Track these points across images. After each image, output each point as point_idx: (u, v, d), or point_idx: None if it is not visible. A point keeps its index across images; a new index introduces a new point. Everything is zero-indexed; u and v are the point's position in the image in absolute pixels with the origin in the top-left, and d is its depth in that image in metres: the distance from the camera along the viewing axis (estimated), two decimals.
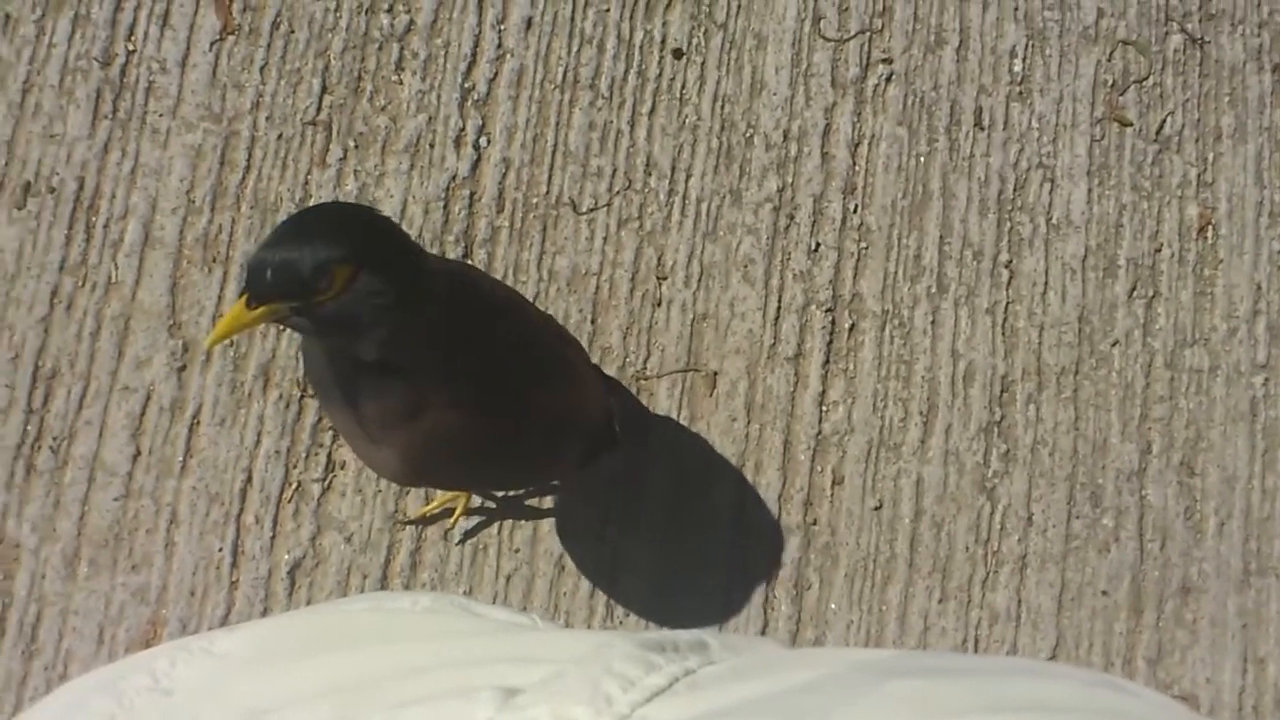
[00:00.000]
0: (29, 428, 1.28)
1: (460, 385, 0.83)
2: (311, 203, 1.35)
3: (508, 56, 1.41)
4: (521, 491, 1.30)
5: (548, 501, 1.31)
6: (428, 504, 1.28)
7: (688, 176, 1.40)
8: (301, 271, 0.69)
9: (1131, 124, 1.46)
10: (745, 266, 1.38)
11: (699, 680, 0.41)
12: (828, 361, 1.37)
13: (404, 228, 1.32)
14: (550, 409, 0.97)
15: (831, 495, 1.34)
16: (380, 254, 0.72)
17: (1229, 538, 1.37)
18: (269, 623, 0.68)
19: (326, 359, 0.80)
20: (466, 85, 1.40)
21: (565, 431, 1.02)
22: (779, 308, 1.37)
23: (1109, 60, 1.48)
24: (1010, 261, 1.41)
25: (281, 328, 1.21)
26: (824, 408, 1.35)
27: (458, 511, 1.28)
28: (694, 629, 0.45)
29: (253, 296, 0.69)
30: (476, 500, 1.29)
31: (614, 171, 1.39)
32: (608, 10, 1.43)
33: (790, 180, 1.41)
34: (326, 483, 1.29)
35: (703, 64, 1.43)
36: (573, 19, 1.42)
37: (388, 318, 0.74)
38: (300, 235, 0.70)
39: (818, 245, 1.39)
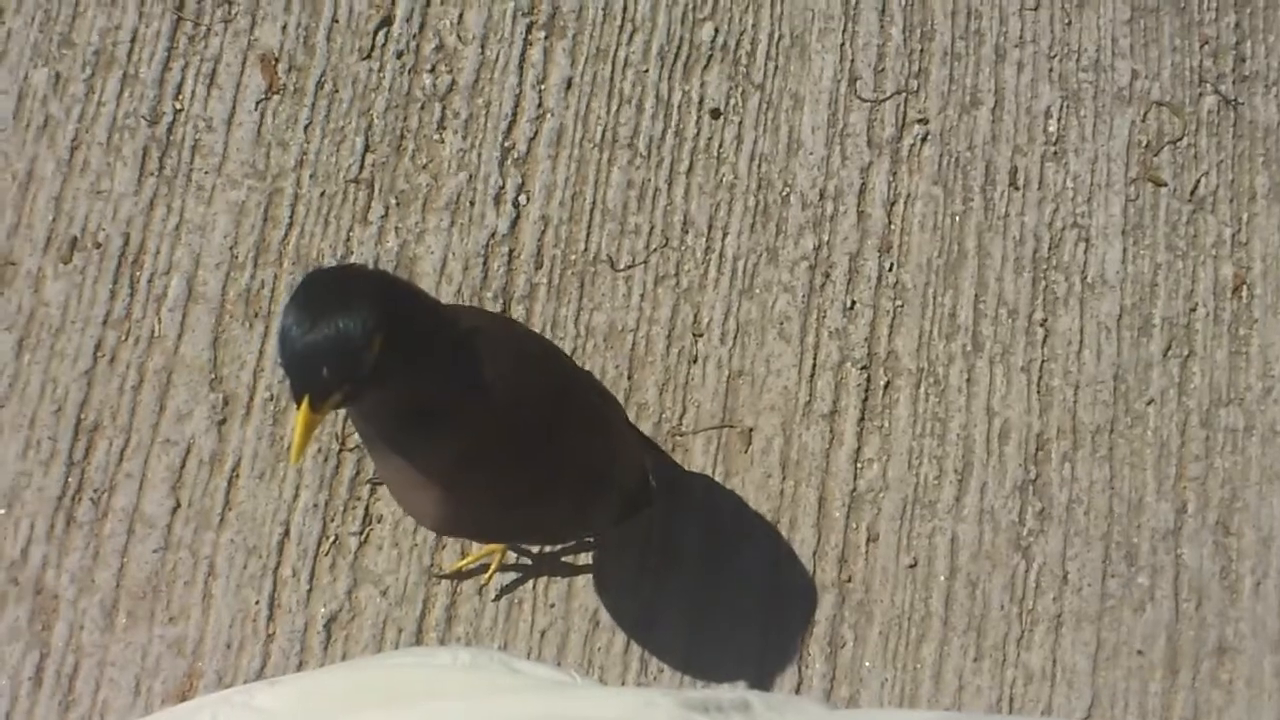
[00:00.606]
0: (70, 480, 1.29)
1: (502, 437, 0.84)
2: (353, 260, 1.36)
3: (548, 116, 1.43)
4: (557, 547, 1.30)
5: (583, 557, 1.31)
6: (464, 558, 1.29)
7: (724, 234, 1.41)
8: (353, 357, 0.68)
9: (1166, 184, 1.46)
10: (781, 324, 1.39)
11: None
12: (863, 419, 1.37)
13: (443, 284, 1.34)
14: (588, 463, 0.98)
15: (866, 552, 1.34)
16: (400, 310, 0.72)
17: (1265, 598, 1.36)
18: (310, 677, 0.69)
19: (371, 411, 0.80)
20: (507, 144, 1.41)
21: (602, 486, 1.03)
22: (814, 365, 1.38)
23: (1143, 121, 1.48)
24: (1045, 320, 1.41)
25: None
26: (859, 465, 1.36)
27: (493, 566, 1.28)
28: (733, 687, 0.45)
29: (315, 399, 0.68)
30: (512, 556, 1.30)
31: (651, 229, 1.40)
32: (646, 71, 1.45)
33: (826, 239, 1.42)
34: (364, 536, 1.29)
35: (740, 124, 1.44)
36: (612, 79, 1.44)
37: (424, 363, 0.74)
38: (328, 323, 0.68)
39: (853, 303, 1.40)
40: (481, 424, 0.81)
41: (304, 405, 0.68)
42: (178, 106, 1.40)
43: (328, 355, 0.67)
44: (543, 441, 0.88)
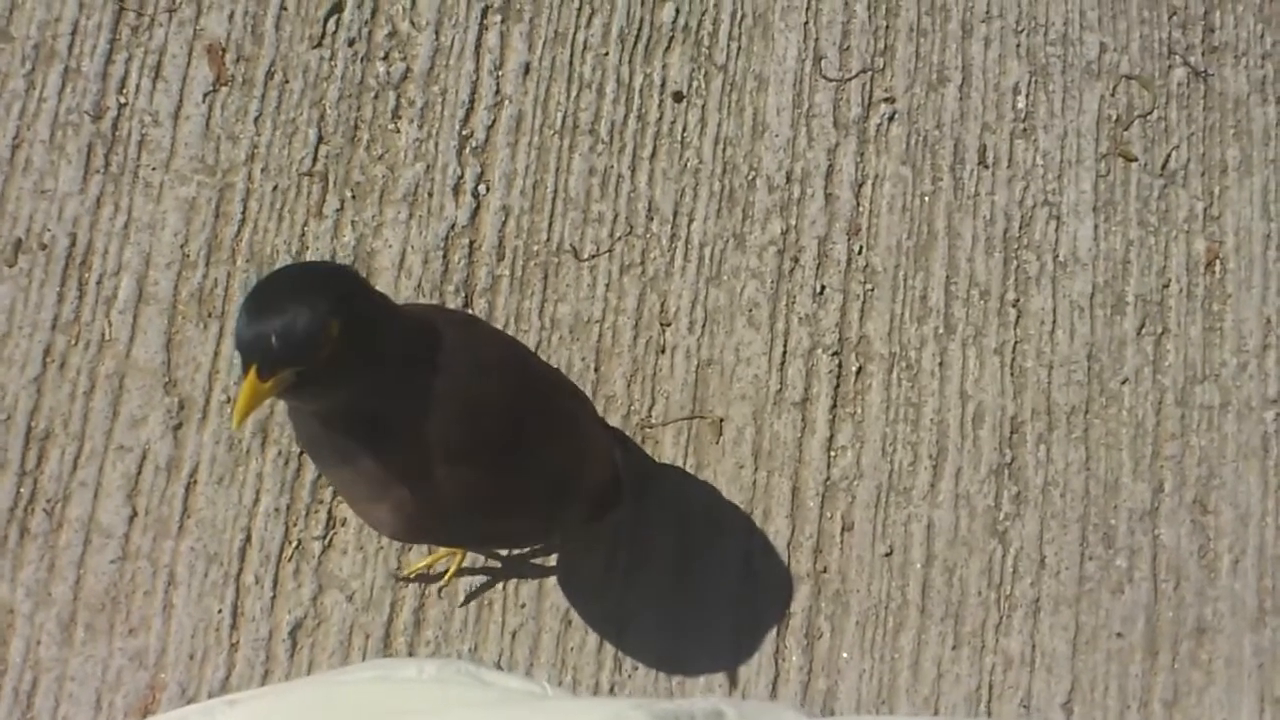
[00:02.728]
0: (22, 490, 1.26)
1: (458, 442, 0.81)
2: (309, 255, 1.33)
3: (506, 103, 1.39)
4: (526, 549, 1.28)
5: (553, 556, 1.28)
6: (428, 556, 1.26)
7: (690, 221, 1.38)
8: (303, 332, 0.68)
9: (1136, 159, 1.44)
10: (750, 311, 1.36)
11: None
12: (835, 406, 1.35)
13: (403, 278, 1.31)
14: (555, 469, 0.95)
15: (841, 542, 1.32)
16: (361, 304, 0.73)
17: (1243, 576, 1.35)
18: (271, 694, 0.66)
19: (318, 419, 0.78)
20: (464, 132, 1.38)
21: (569, 490, 1.00)
22: (785, 352, 1.35)
23: (1113, 95, 1.46)
24: (1017, 300, 1.39)
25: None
26: (832, 453, 1.33)
27: (452, 568, 1.25)
28: (709, 695, 0.44)
29: (263, 367, 0.68)
30: (480, 557, 1.27)
31: (615, 217, 1.37)
32: (606, 54, 1.41)
33: (794, 223, 1.39)
34: (327, 540, 1.26)
35: (703, 106, 1.41)
36: (571, 64, 1.41)
37: (381, 367, 0.74)
38: (285, 300, 0.69)
39: (823, 288, 1.37)
40: (438, 434, 0.79)
41: (251, 374, 0.69)
42: (122, 100, 1.36)
43: (279, 326, 0.68)
44: (506, 449, 0.86)
